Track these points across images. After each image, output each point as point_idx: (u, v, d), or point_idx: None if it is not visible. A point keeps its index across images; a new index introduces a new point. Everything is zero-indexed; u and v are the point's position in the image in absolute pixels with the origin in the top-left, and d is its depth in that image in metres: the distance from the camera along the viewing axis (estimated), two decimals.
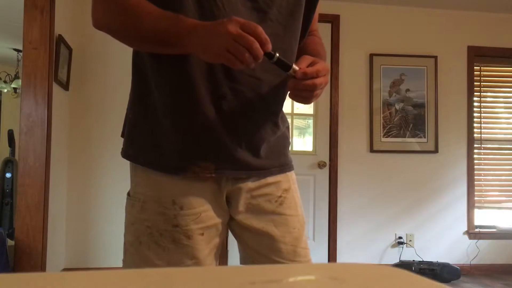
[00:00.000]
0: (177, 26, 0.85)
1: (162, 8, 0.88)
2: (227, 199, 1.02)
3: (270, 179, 1.04)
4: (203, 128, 0.95)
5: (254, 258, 1.06)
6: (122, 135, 1.07)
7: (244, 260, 1.10)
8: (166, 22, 0.86)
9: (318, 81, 0.88)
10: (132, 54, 1.02)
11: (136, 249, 0.97)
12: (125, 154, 1.03)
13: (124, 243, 1.00)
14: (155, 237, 0.95)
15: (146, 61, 0.97)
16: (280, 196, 1.05)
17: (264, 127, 1.01)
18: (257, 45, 0.79)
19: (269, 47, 0.81)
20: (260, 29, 0.80)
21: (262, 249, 1.04)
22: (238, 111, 0.96)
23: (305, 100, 0.93)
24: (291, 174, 1.10)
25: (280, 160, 1.07)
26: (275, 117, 1.04)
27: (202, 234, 0.97)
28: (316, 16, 1.10)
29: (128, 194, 1.01)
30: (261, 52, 0.81)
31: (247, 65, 0.81)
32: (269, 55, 0.84)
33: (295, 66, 0.87)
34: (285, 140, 1.10)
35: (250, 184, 1.02)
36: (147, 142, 0.99)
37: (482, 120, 4.11)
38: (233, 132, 0.97)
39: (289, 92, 0.92)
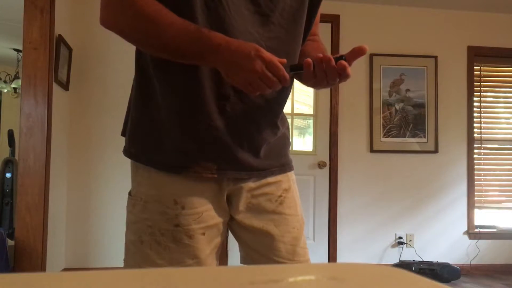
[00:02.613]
0: (200, 42, 0.85)
1: (172, 7, 0.88)
2: (227, 199, 1.02)
3: (271, 179, 1.05)
4: (206, 128, 0.95)
5: (253, 257, 1.06)
6: (123, 134, 1.07)
7: (244, 259, 1.10)
8: (188, 36, 0.85)
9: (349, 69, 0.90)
10: (135, 53, 1.01)
11: (137, 248, 0.97)
12: (128, 152, 1.03)
13: (126, 242, 1.00)
14: (156, 237, 0.95)
15: (150, 60, 0.97)
16: (280, 196, 1.05)
17: (265, 128, 1.02)
18: (277, 84, 0.86)
19: (286, 84, 0.87)
20: (282, 69, 0.85)
21: (262, 248, 1.04)
22: (240, 112, 0.97)
23: (326, 85, 0.93)
24: (291, 174, 1.11)
25: (281, 160, 1.08)
26: (276, 118, 1.04)
27: (204, 234, 0.97)
28: (317, 20, 1.11)
29: (130, 193, 1.01)
30: (279, 88, 0.87)
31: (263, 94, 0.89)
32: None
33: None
34: (285, 140, 1.11)
35: (251, 184, 1.02)
36: (150, 141, 0.99)
37: (482, 120, 4.11)
38: (235, 133, 0.97)
39: (307, 78, 0.92)
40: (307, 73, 0.91)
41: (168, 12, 0.87)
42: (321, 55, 0.89)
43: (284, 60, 0.86)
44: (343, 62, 0.87)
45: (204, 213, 0.97)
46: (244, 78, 0.84)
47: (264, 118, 1.01)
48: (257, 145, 1.01)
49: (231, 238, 1.14)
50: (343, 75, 0.89)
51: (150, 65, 0.97)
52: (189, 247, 0.96)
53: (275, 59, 0.84)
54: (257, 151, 1.01)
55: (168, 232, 0.95)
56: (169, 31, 0.86)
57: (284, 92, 1.03)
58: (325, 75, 0.89)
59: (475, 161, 4.03)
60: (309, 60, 0.89)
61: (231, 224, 1.05)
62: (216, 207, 1.00)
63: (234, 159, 0.98)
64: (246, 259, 1.09)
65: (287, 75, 0.85)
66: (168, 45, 0.87)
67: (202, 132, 0.95)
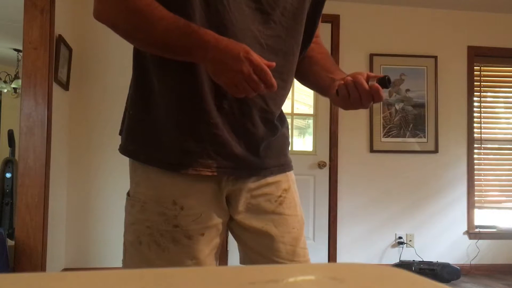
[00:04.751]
0: (188, 37, 0.85)
1: (169, 2, 0.87)
2: (227, 199, 1.02)
3: (270, 179, 1.05)
4: (205, 125, 0.95)
5: (253, 258, 1.06)
6: (121, 133, 1.06)
7: (244, 260, 1.10)
8: (177, 31, 0.85)
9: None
10: (133, 50, 1.01)
11: (136, 249, 0.97)
12: (124, 150, 1.02)
13: (124, 243, 1.00)
14: (155, 237, 0.95)
15: (148, 56, 0.97)
16: (280, 196, 1.05)
17: (263, 126, 1.01)
18: (263, 89, 0.85)
19: (272, 90, 0.86)
20: (269, 74, 0.84)
21: (261, 249, 1.04)
22: (238, 110, 0.97)
23: (361, 107, 0.97)
24: (291, 174, 1.10)
25: (280, 160, 1.08)
26: (274, 117, 1.04)
27: (203, 234, 0.97)
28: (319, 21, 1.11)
29: (128, 194, 1.01)
30: (264, 92, 0.86)
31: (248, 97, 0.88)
32: None
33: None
34: (285, 140, 1.11)
35: (250, 184, 1.02)
36: (148, 139, 0.98)
37: (482, 120, 4.11)
38: (233, 130, 0.97)
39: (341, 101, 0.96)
40: (343, 96, 0.95)
41: (159, 6, 0.87)
42: (350, 78, 0.93)
43: (273, 64, 0.85)
44: (376, 85, 0.91)
45: (203, 213, 0.97)
46: (230, 78, 0.84)
47: (261, 116, 1.00)
48: (256, 143, 1.01)
49: (231, 238, 1.14)
50: (376, 97, 0.92)
51: (149, 62, 0.97)
52: (188, 247, 0.95)
53: (263, 63, 0.83)
54: (256, 149, 1.01)
55: (167, 233, 0.95)
56: (159, 25, 0.86)
57: (281, 90, 1.03)
58: (359, 97, 0.93)
59: (475, 161, 4.03)
60: (342, 84, 0.94)
61: (231, 225, 1.05)
62: (216, 208, 0.99)
63: (233, 156, 0.97)
64: (246, 259, 1.09)
65: (273, 80, 0.84)
66: (158, 39, 0.87)
67: (201, 129, 0.95)
